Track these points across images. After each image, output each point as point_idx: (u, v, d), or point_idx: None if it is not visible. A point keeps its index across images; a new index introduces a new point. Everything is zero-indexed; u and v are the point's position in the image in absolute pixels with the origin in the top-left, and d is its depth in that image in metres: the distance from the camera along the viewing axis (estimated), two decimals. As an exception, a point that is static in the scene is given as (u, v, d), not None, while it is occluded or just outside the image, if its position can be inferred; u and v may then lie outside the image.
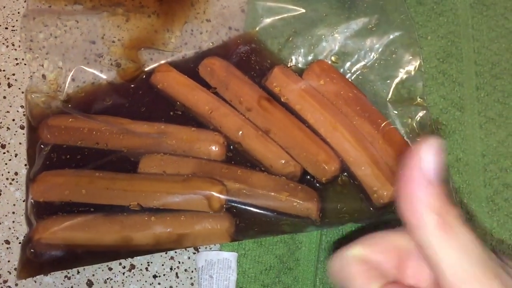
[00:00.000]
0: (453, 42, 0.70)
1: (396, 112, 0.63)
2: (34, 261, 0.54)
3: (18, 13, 0.68)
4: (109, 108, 0.62)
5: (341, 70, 0.65)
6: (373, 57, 0.66)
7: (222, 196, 0.55)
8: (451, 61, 0.69)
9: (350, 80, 0.65)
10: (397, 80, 0.64)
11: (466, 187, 0.62)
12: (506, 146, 0.65)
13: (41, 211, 0.56)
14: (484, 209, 0.61)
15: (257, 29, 0.68)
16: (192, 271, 0.57)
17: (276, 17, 0.68)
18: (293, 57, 0.66)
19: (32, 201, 0.56)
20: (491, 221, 0.60)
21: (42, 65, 0.66)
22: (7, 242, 0.57)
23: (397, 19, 0.66)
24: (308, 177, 0.59)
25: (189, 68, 0.65)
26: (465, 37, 0.71)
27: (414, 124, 0.63)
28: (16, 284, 0.56)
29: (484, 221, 0.60)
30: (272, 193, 0.56)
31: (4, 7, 0.69)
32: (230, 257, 0.56)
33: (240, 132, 0.60)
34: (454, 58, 0.70)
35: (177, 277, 0.57)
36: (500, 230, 0.60)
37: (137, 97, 0.63)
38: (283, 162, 0.58)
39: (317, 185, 0.59)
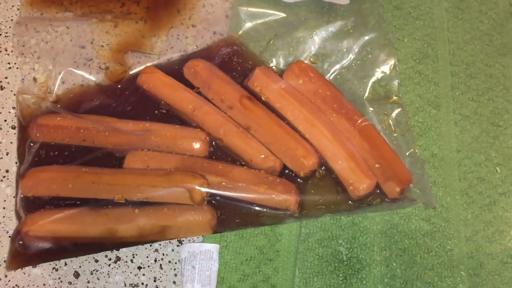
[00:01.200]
0: (429, 44, 0.73)
1: (372, 109, 0.66)
2: (23, 253, 0.56)
3: (11, 20, 0.71)
4: (97, 108, 0.64)
5: (320, 70, 0.68)
6: (350, 57, 0.68)
7: (203, 189, 0.57)
8: (427, 62, 0.72)
9: (328, 79, 0.67)
10: (373, 79, 0.67)
11: (442, 181, 0.64)
12: (480, 142, 0.67)
13: (30, 205, 0.58)
14: (459, 202, 0.63)
15: (240, 33, 0.71)
16: (176, 263, 0.59)
17: (258, 21, 0.72)
18: (274, 59, 0.69)
19: (22, 196, 0.58)
20: (466, 213, 0.63)
21: (33, 69, 0.69)
22: (-3, 236, 0.60)
23: (372, 21, 0.69)
24: (288, 171, 0.62)
25: (174, 70, 0.68)
26: (441, 39, 0.74)
27: (390, 120, 0.65)
28: (6, 276, 0.58)
29: (459, 213, 0.62)
30: (252, 186, 0.58)
31: (-2, 14, 0.72)
32: (212, 248, 0.58)
33: (222, 129, 0.62)
34: (430, 59, 0.72)
35: (161, 268, 0.59)
36: (475, 222, 0.62)
37: (124, 97, 0.65)
38: (263, 157, 0.61)
39: (296, 179, 0.61)
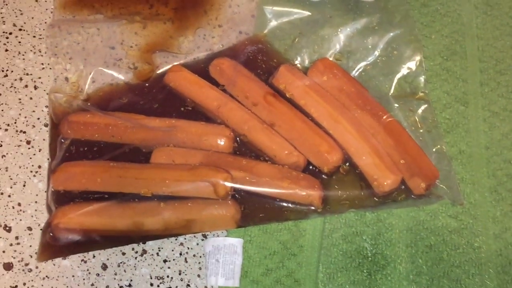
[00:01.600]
0: (457, 41, 0.72)
1: (398, 105, 0.65)
2: (53, 244, 0.58)
3: (45, 22, 0.74)
4: (125, 106, 0.66)
5: (345, 67, 0.68)
6: (376, 54, 0.68)
7: (227, 183, 0.58)
8: (455, 59, 0.71)
9: (353, 76, 0.67)
10: (399, 76, 0.67)
11: (470, 178, 0.63)
12: (510, 138, 0.66)
13: (61, 199, 0.60)
14: (487, 199, 0.62)
15: (265, 31, 0.72)
16: (200, 257, 0.60)
17: (283, 20, 0.72)
18: (299, 57, 0.70)
19: (52, 190, 0.60)
20: (495, 210, 0.61)
21: (66, 69, 0.71)
22: (30, 228, 0.62)
23: (398, 18, 0.69)
24: (312, 167, 0.62)
25: (200, 68, 0.69)
26: (469, 36, 0.73)
27: (416, 117, 0.65)
28: (37, 267, 0.60)
29: (487, 210, 0.61)
30: (275, 181, 0.59)
31: (33, 17, 0.75)
32: (236, 243, 0.59)
33: (246, 125, 0.63)
34: (458, 56, 0.72)
35: (186, 261, 0.60)
36: (504, 219, 0.61)
37: (151, 95, 0.67)
38: (286, 152, 0.61)
39: (320, 174, 0.61)
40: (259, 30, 0.72)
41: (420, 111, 0.65)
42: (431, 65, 0.71)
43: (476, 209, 0.61)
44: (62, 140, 0.64)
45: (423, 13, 0.75)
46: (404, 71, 0.67)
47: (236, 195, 0.59)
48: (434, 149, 0.63)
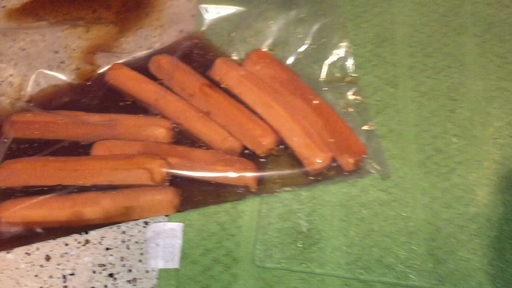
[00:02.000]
0: (387, 29, 0.76)
1: (328, 89, 0.68)
2: (-4, 239, 0.60)
3: (-10, 31, 0.76)
4: (67, 104, 0.69)
5: (280, 57, 0.71)
6: (307, 43, 0.72)
7: (162, 169, 0.60)
8: (385, 45, 0.75)
9: (287, 65, 0.70)
10: (328, 62, 0.70)
11: (400, 153, 0.66)
12: (437, 115, 0.69)
13: (3, 195, 0.62)
14: (416, 172, 0.65)
15: (203, 28, 0.75)
16: (142, 243, 0.62)
17: (220, 16, 0.75)
18: (235, 50, 0.73)
19: (-5, 187, 0.62)
20: (423, 182, 0.64)
21: (10, 74, 0.73)
22: (-26, 226, 0.63)
23: (325, 8, 0.73)
24: (248, 151, 0.64)
25: (140, 66, 0.72)
26: (399, 23, 0.77)
27: (345, 99, 0.68)
28: (-19, 262, 0.61)
29: (416, 183, 0.64)
30: (210, 165, 0.61)
31: (-22, 27, 0.77)
32: (176, 227, 0.61)
33: (183, 115, 0.66)
34: (388, 42, 0.75)
35: (128, 248, 0.61)
36: (432, 190, 0.64)
37: (92, 93, 0.69)
38: (222, 138, 0.64)
39: (256, 157, 0.64)
40: (198, 27, 0.75)
41: (349, 93, 0.68)
42: (362, 52, 0.74)
43: (406, 182, 0.64)
44: (5, 140, 0.66)
45: (355, 5, 0.79)
46: (333, 57, 0.70)
47: (174, 181, 0.61)
48: (363, 128, 0.66)
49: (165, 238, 0.60)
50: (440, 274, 0.58)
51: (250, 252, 0.60)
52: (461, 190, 0.64)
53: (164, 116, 0.66)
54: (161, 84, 0.69)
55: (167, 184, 0.61)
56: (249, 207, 0.63)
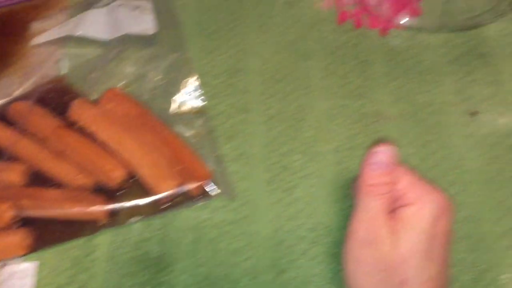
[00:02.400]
0: (240, 60, 0.82)
1: (178, 121, 0.73)
2: None
3: None
4: None
5: (135, 94, 0.75)
6: (158, 78, 0.76)
7: (10, 212, 0.62)
8: (239, 75, 0.81)
9: (142, 100, 0.75)
10: (178, 95, 0.75)
11: (249, 175, 0.71)
12: (285, 135, 0.75)
13: None
14: (264, 190, 0.70)
15: (65, 72, 0.78)
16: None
17: (79, 61, 0.79)
18: (92, 90, 0.76)
19: None
20: (269, 199, 0.69)
21: None
22: None
23: (174, 44, 0.78)
24: (101, 186, 0.67)
25: (0, 114, 0.74)
26: (251, 53, 0.83)
27: (194, 129, 0.72)
28: None
29: (263, 200, 0.69)
30: (58, 203, 0.64)
31: None
32: (29, 266, 0.63)
33: (38, 157, 0.68)
34: (242, 72, 0.81)
35: (-17, 293, 0.63)
36: (277, 205, 0.69)
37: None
38: (73, 176, 0.67)
39: (110, 191, 0.67)
40: (61, 72, 0.79)
41: (198, 124, 0.73)
42: (216, 83, 0.79)
43: (254, 200, 0.69)
44: None
45: (212, 39, 0.84)
46: (182, 90, 0.75)
47: (25, 222, 0.63)
48: (213, 155, 0.70)
49: (18, 279, 0.62)
50: (280, 283, 0.62)
51: (106, 282, 0.63)
52: (304, 202, 0.69)
53: (19, 160, 0.68)
54: (18, 130, 0.71)
55: (18, 225, 0.63)
56: (103, 239, 0.66)
